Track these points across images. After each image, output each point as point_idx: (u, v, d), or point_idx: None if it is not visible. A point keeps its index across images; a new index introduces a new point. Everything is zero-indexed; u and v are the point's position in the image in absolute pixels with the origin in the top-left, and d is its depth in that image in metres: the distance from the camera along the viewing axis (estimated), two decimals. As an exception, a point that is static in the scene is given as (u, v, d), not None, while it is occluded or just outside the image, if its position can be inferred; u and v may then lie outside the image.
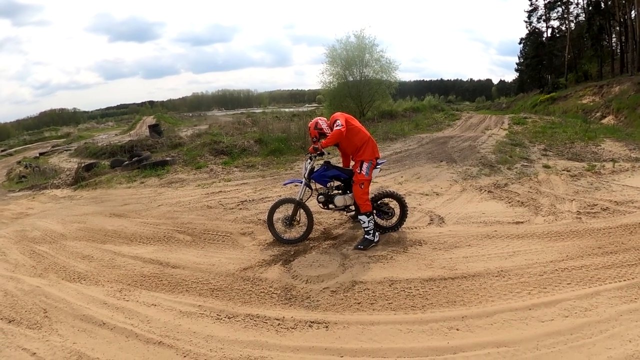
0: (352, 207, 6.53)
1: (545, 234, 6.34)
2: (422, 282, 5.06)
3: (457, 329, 4.14)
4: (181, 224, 8.09)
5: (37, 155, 28.33)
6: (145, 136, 25.86)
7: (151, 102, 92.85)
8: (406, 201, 6.74)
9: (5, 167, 24.25)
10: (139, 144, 20.44)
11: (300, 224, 6.63)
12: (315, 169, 6.53)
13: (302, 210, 6.55)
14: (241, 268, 5.84)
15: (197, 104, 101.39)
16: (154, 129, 26.79)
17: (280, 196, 9.17)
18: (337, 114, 6.33)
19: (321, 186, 6.59)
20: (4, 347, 4.43)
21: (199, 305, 5.01)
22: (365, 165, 6.18)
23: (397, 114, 29.87)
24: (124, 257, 6.70)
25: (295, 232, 6.63)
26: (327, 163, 6.54)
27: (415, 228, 6.87)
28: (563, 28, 48.79)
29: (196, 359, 4.03)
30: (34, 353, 4.30)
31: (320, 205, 6.59)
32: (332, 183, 6.57)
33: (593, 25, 42.49)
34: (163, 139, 21.72)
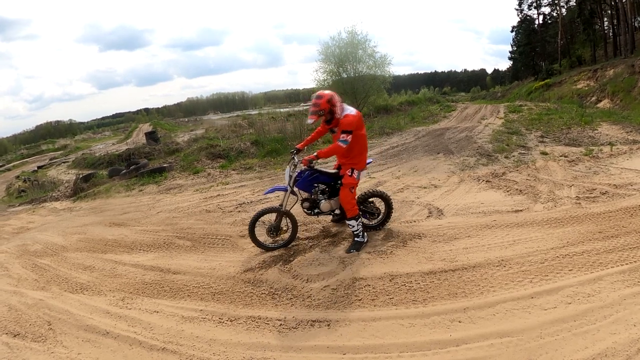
0: (337, 211, 6.37)
1: (545, 221, 6.32)
2: (422, 275, 5.05)
3: (460, 321, 4.14)
4: (181, 229, 8.08)
5: (36, 168, 28.41)
6: (142, 144, 25.85)
7: (146, 110, 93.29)
8: (391, 199, 6.64)
9: (4, 182, 24.27)
10: (136, 152, 20.45)
11: (287, 232, 6.48)
12: (298, 172, 6.24)
13: (287, 218, 6.39)
14: (241, 270, 5.83)
15: (192, 109, 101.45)
16: (151, 136, 26.75)
17: (277, 197, 9.13)
18: (354, 118, 5.76)
19: (306, 192, 6.36)
20: (10, 361, 4.45)
21: (201, 310, 5.01)
22: (356, 171, 6.02)
23: (392, 108, 29.96)
24: (125, 266, 6.70)
25: (278, 239, 6.51)
26: (311, 168, 6.26)
27: (414, 221, 6.85)
28: (554, 14, 48.89)
29: (200, 364, 4.03)
30: (40, 366, 4.32)
31: (305, 211, 6.41)
32: (317, 188, 6.33)
33: (584, 10, 42.42)
34: (160, 145, 21.70)
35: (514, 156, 11.09)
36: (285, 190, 6.28)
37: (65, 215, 11.71)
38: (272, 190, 6.66)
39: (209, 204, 9.73)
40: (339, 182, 6.13)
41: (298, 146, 6.42)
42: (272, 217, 6.49)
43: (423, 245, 5.90)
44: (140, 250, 7.37)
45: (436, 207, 7.42)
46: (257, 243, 6.40)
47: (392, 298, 4.70)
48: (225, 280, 5.65)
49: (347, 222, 6.07)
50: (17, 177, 24.17)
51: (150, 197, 11.73)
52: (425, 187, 8.85)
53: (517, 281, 4.71)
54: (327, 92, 5.92)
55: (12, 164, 38.25)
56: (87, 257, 7.34)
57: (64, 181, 18.87)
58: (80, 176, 16.36)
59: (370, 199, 6.57)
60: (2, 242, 9.60)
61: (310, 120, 5.99)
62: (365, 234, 6.16)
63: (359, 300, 4.75)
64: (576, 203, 6.95)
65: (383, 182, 9.60)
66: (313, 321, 4.47)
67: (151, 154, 19.66)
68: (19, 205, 15.34)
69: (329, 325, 4.38)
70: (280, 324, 4.51)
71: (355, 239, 6.04)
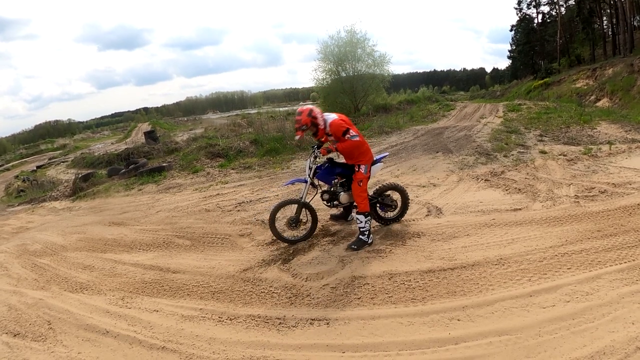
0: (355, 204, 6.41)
1: (544, 219, 6.33)
2: (421, 274, 5.06)
3: (458, 320, 4.15)
4: (180, 228, 8.09)
5: (35, 168, 28.39)
6: (141, 143, 25.88)
7: (145, 109, 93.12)
8: (407, 192, 6.73)
9: (3, 182, 24.27)
10: (135, 152, 20.43)
11: (306, 224, 6.55)
12: (318, 165, 6.39)
13: (306, 210, 6.46)
14: (241, 269, 5.85)
15: (191, 108, 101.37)
16: (150, 135, 26.74)
17: (277, 196, 9.16)
18: (338, 120, 6.04)
19: (326, 184, 6.51)
20: (10, 361, 4.46)
21: (201, 309, 5.03)
22: (363, 166, 6.12)
23: (391, 107, 29.81)
24: (124, 265, 6.71)
25: (297, 232, 6.56)
26: (330, 160, 6.43)
27: (413, 220, 6.86)
28: (553, 13, 48.90)
29: (199, 363, 4.05)
30: (40, 365, 4.33)
31: (325, 203, 6.53)
32: (336, 180, 6.47)
33: (583, 9, 42.44)
34: (159, 145, 21.70)
35: (512, 155, 11.10)
36: (305, 182, 6.39)
37: (65, 214, 11.71)
38: (293, 182, 6.91)
39: (209, 203, 9.74)
40: None
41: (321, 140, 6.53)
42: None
43: (422, 243, 5.91)
44: (139, 249, 7.39)
45: (435, 206, 7.43)
46: (279, 236, 6.45)
47: (391, 296, 4.71)
48: (224, 279, 5.66)
49: (356, 216, 6.12)
50: (16, 176, 24.17)
51: (149, 197, 11.74)
52: (424, 186, 8.87)
53: (516, 280, 4.71)
54: (306, 106, 6.21)
55: (11, 164, 38.20)
56: (87, 257, 7.35)
57: (63, 181, 18.87)
58: (80, 176, 16.36)
59: (387, 192, 6.66)
60: (1, 242, 9.61)
61: (297, 137, 6.29)
62: (372, 236, 6.15)
63: (358, 298, 4.76)
64: (575, 202, 6.96)
65: (382, 181, 9.58)
66: (312, 320, 4.48)
67: (150, 153, 19.65)
68: (18, 205, 15.34)
69: (328, 323, 4.39)
70: (280, 323, 4.52)
71: (360, 236, 6.06)
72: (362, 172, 6.09)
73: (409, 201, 6.74)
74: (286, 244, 6.42)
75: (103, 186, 14.49)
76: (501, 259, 5.19)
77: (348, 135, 5.91)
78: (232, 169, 13.90)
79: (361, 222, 6.03)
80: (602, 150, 10.41)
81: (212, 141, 18.08)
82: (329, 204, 6.52)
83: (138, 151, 20.45)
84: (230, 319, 4.73)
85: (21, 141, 71.54)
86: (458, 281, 4.83)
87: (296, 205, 6.43)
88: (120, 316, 5.11)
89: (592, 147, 11.00)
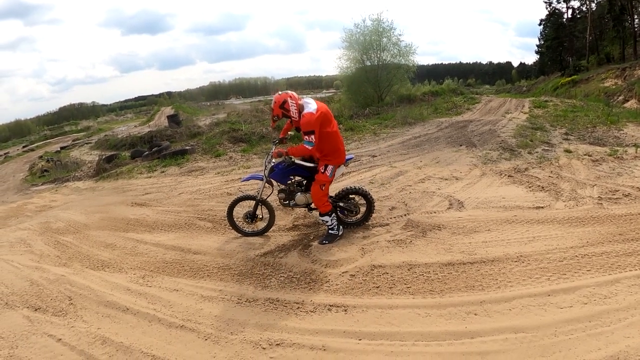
0: (314, 205, 6.33)
1: (566, 219, 6.24)
2: (440, 266, 5.06)
3: (475, 314, 4.14)
4: (202, 211, 8.20)
5: (58, 149, 28.74)
6: (164, 126, 26.11)
7: (169, 93, 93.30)
8: (373, 198, 6.57)
9: (27, 162, 24.64)
10: (158, 135, 20.56)
11: (263, 220, 6.63)
12: (275, 163, 6.26)
13: (263, 207, 6.52)
14: (261, 253, 5.91)
15: (214, 93, 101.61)
16: (173, 119, 27.00)
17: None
18: (312, 117, 5.58)
19: (282, 184, 6.42)
20: (30, 335, 4.57)
21: (220, 290, 5.11)
22: (330, 167, 5.96)
23: (415, 98, 29.41)
24: (146, 245, 6.84)
25: (255, 226, 6.67)
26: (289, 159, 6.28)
27: (435, 212, 6.86)
28: (584, 9, 47.64)
29: (217, 342, 4.12)
30: (60, 339, 4.43)
31: (281, 202, 6.48)
32: (293, 180, 6.39)
33: (614, 6, 41.38)
34: (182, 128, 21.85)
35: (537, 152, 10.95)
36: (262, 179, 6.38)
37: (88, 194, 11.93)
38: (248, 179, 6.87)
39: (230, 187, 9.85)
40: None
41: (280, 136, 6.57)
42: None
43: (442, 236, 5.90)
44: (161, 229, 7.51)
45: (457, 199, 7.40)
46: (234, 226, 6.64)
47: (410, 287, 4.72)
48: (245, 262, 5.74)
49: (321, 218, 6.13)
50: (40, 157, 24.50)
51: (172, 179, 11.90)
52: (446, 179, 8.83)
53: (535, 278, 4.68)
54: (281, 94, 5.95)
55: (35, 145, 38.76)
56: (109, 236, 7.50)
57: (87, 162, 19.10)
58: (103, 157, 16.62)
59: (352, 196, 6.52)
60: (25, 219, 9.83)
61: (271, 126, 6.43)
62: (341, 227, 6.20)
63: (377, 287, 4.79)
64: (598, 203, 6.84)
65: (405, 171, 9.61)
66: (330, 306, 4.52)
67: (173, 136, 19.77)
68: (42, 185, 15.65)
69: (345, 310, 4.42)
70: (298, 307, 4.57)
71: (330, 231, 6.09)
72: (328, 174, 5.96)
73: (374, 207, 6.57)
74: (298, 233, 6.51)
75: (126, 167, 14.72)
76: (521, 256, 5.15)
77: (306, 137, 5.59)
78: (255, 154, 14.00)
79: (327, 221, 6.07)
80: (628, 153, 10.18)
81: (234, 126, 18.17)
82: (286, 203, 6.43)
83: (161, 134, 20.58)
84: (249, 301, 4.80)
85: (45, 123, 72.57)
86: (477, 276, 4.81)
87: (254, 201, 6.49)
88: (140, 294, 5.21)
89: (618, 148, 10.77)
